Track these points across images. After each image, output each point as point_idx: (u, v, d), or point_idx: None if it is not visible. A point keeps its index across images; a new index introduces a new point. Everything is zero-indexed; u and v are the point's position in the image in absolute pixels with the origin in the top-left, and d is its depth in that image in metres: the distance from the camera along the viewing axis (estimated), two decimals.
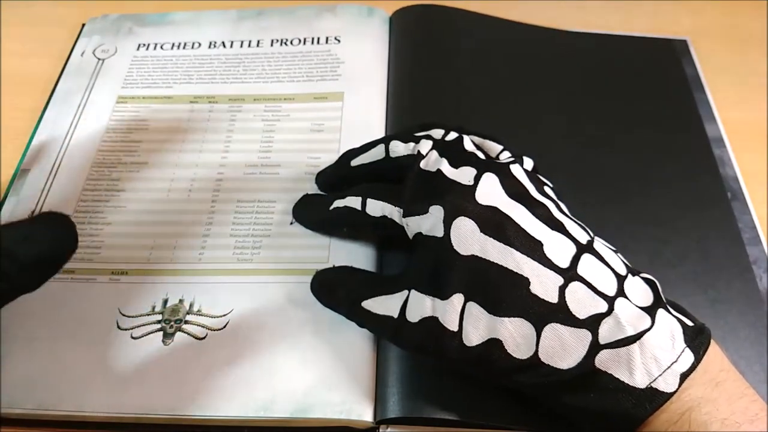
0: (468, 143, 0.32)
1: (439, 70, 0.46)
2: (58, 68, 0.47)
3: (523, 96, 0.45)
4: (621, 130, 0.43)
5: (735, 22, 0.53)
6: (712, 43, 0.51)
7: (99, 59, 0.47)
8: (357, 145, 0.36)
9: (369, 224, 0.32)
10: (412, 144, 0.32)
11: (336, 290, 0.32)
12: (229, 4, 0.51)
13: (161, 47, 0.48)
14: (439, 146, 0.31)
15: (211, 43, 0.48)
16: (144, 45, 0.48)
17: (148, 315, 0.34)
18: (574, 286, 0.26)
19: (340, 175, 0.37)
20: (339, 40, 0.48)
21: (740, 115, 0.46)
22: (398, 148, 0.33)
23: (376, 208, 0.31)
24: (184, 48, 0.48)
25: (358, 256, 0.36)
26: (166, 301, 0.34)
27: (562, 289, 0.26)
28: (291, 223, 0.37)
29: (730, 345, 0.34)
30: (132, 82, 0.46)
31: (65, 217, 0.25)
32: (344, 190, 0.34)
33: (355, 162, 0.35)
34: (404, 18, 0.49)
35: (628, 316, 0.25)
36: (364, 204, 0.32)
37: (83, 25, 0.50)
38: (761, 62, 0.50)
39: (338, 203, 0.33)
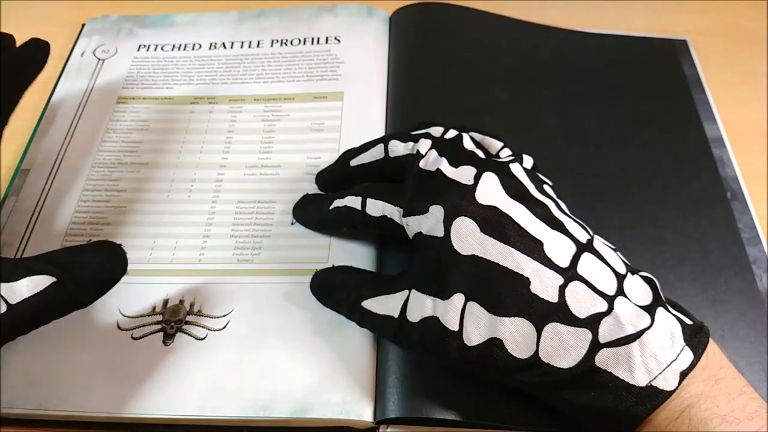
0: (467, 141, 0.32)
1: (439, 69, 0.46)
2: (58, 68, 0.47)
3: (523, 95, 0.45)
4: (621, 130, 0.43)
5: (735, 22, 0.53)
6: (712, 43, 0.51)
7: (99, 59, 0.47)
8: (357, 145, 0.36)
9: (369, 224, 0.32)
10: (411, 143, 0.32)
11: (336, 290, 0.32)
12: (229, 5, 0.52)
13: (162, 48, 0.48)
14: (438, 145, 0.31)
15: (211, 44, 0.48)
16: (144, 46, 0.48)
17: (148, 315, 0.34)
18: (574, 286, 0.26)
19: (340, 175, 0.37)
20: (339, 40, 0.48)
21: (740, 115, 0.46)
22: (397, 148, 0.33)
23: (376, 207, 0.31)
24: (184, 49, 0.48)
25: (358, 256, 0.36)
26: (166, 302, 0.34)
27: (562, 289, 0.26)
28: (291, 224, 0.37)
29: (730, 345, 0.34)
30: (132, 82, 0.46)
31: (118, 246, 0.31)
32: (344, 190, 0.34)
33: (354, 162, 0.35)
34: (404, 18, 0.49)
35: (627, 315, 0.25)
36: (364, 204, 0.32)
37: (83, 25, 0.50)
38: (761, 62, 0.50)
39: (338, 203, 0.33)
